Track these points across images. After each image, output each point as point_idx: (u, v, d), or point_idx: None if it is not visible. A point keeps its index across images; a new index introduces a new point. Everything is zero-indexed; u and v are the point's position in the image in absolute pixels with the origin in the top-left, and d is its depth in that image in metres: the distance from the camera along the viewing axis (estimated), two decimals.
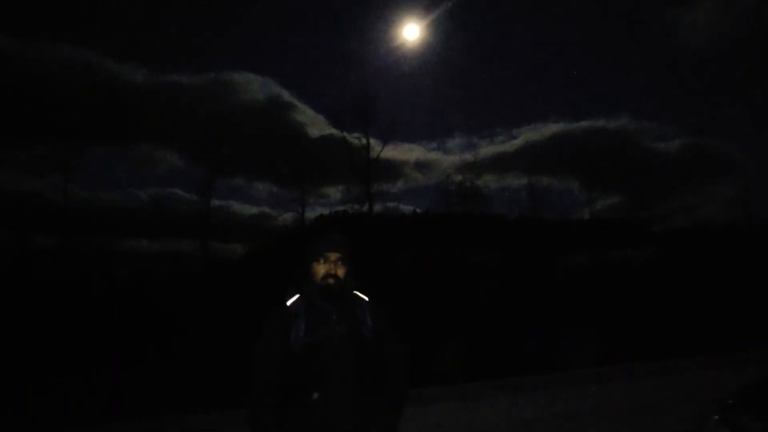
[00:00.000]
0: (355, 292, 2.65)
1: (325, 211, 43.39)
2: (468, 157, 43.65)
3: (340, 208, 38.81)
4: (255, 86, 56.85)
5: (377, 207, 34.48)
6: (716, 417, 3.64)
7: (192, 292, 25.45)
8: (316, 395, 2.35)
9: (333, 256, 2.59)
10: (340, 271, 2.59)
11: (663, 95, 63.07)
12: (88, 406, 12.91)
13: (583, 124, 55.48)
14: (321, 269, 2.57)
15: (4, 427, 12.12)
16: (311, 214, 42.86)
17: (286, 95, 49.70)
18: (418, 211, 43.64)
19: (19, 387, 14.86)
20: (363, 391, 2.42)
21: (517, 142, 51.38)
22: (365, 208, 33.85)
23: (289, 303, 2.52)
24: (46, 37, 53.73)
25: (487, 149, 54.22)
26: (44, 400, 13.85)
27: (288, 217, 35.03)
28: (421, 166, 47.97)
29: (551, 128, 54.49)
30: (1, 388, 14.58)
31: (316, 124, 45.67)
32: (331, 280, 2.54)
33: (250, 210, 45.58)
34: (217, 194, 38.32)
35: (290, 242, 31.01)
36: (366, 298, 2.65)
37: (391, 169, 40.26)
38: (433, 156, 50.85)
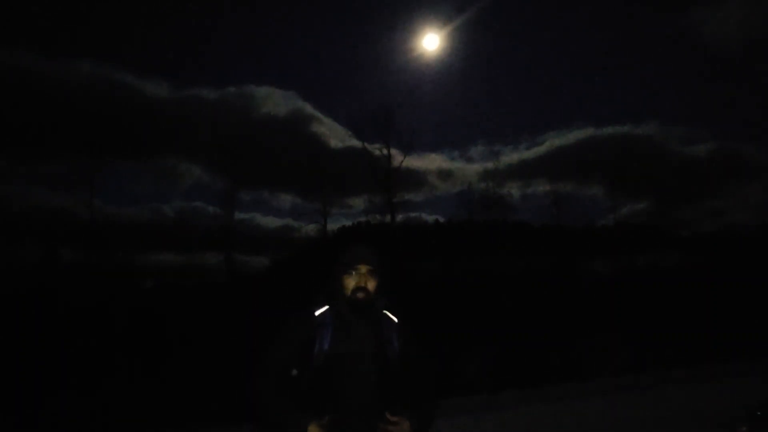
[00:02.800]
0: (385, 311, 2.61)
1: (348, 222, 43.55)
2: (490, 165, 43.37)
3: (363, 218, 38.86)
4: (277, 99, 57.11)
5: (400, 217, 34.56)
6: (744, 428, 3.59)
7: (217, 305, 25.62)
8: (294, 371, 2.36)
9: (363, 269, 2.54)
10: (371, 285, 2.53)
11: (691, 99, 62.25)
12: (113, 417, 13.05)
13: (610, 129, 54.84)
14: (351, 282, 2.51)
15: None
16: (334, 225, 43.02)
17: (308, 107, 49.85)
18: (441, 220, 43.62)
19: (45, 399, 15.07)
20: (380, 411, 2.36)
21: (542, 149, 51.06)
22: (387, 218, 33.91)
23: (317, 313, 2.48)
24: (68, 53, 54.80)
25: (510, 156, 53.97)
26: (68, 411, 14.02)
27: (311, 228, 35.15)
28: (443, 174, 47.93)
29: (576, 134, 54.21)
30: (29, 399, 14.81)
31: (338, 136, 45.84)
32: (360, 294, 2.48)
33: (274, 222, 45.98)
34: (240, 207, 38.76)
35: (314, 254, 31.12)
36: (395, 319, 2.61)
37: (414, 179, 40.35)
38: (456, 164, 50.75)
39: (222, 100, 48.38)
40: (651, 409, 6.24)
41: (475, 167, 49.90)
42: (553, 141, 54.00)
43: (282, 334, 2.49)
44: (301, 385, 2.37)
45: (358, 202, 39.49)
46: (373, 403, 2.37)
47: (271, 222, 46.44)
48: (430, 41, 32.91)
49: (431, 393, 2.62)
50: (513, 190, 41.80)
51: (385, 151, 34.30)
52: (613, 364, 16.63)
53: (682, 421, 5.71)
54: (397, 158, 34.49)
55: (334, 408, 2.32)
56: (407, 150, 35.31)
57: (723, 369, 8.31)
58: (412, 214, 36.90)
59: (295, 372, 2.35)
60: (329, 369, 2.36)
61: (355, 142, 36.18)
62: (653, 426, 5.68)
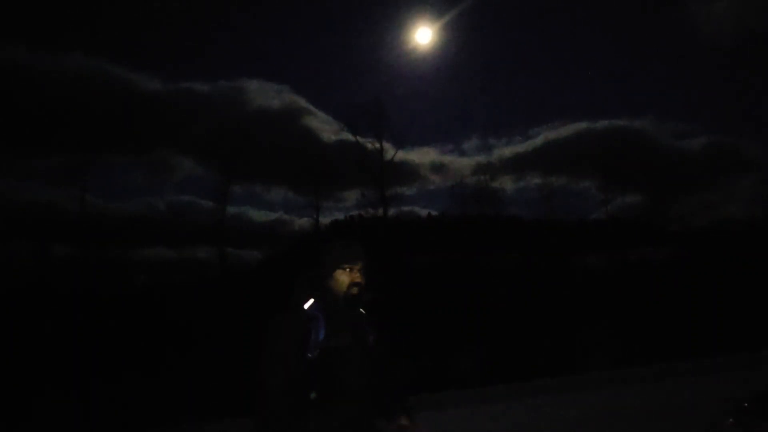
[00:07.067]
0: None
1: (341, 216, 43.51)
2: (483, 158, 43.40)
3: (355, 212, 38.85)
4: (269, 92, 56.88)
5: (392, 211, 34.51)
6: (731, 420, 3.63)
7: (209, 299, 25.61)
8: (313, 395, 2.37)
9: (358, 264, 2.61)
10: (363, 281, 2.60)
11: (685, 93, 62.28)
12: (107, 413, 13.04)
13: (604, 123, 54.72)
14: (346, 278, 2.57)
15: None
16: (327, 218, 42.83)
17: (300, 101, 49.61)
18: (434, 214, 43.67)
19: (37, 395, 15.04)
20: (372, 399, 2.48)
21: (535, 143, 50.79)
22: (380, 212, 33.91)
23: (306, 306, 2.48)
24: (59, 46, 54.30)
25: (504, 150, 53.73)
26: (63, 407, 14.00)
27: (304, 222, 35.17)
28: (436, 168, 47.80)
29: (571, 128, 54.05)
30: (21, 396, 14.78)
31: (331, 129, 45.42)
32: (355, 290, 2.56)
33: (266, 216, 45.65)
34: (233, 201, 38.57)
35: (306, 248, 31.12)
36: (363, 312, 2.70)
37: (407, 173, 40.25)
38: (449, 158, 50.61)
39: (214, 93, 48.17)
40: (641, 402, 6.30)
41: (469, 161, 49.79)
42: (546, 135, 53.79)
43: (283, 338, 2.44)
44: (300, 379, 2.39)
45: (351, 196, 39.32)
46: (366, 392, 2.45)
47: (263, 216, 46.19)
48: (423, 35, 32.98)
49: (401, 381, 2.73)
50: (506, 183, 41.85)
51: (377, 145, 34.37)
52: (605, 358, 16.73)
53: (672, 413, 5.76)
54: (390, 152, 34.61)
55: (333, 399, 2.36)
56: (400, 143, 35.37)
57: (713, 362, 8.39)
58: (405, 208, 36.83)
59: (313, 395, 2.37)
60: (326, 361, 2.38)
61: (348, 136, 36.06)
62: (643, 418, 5.74)
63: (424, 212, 44.48)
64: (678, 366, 8.01)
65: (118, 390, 15.45)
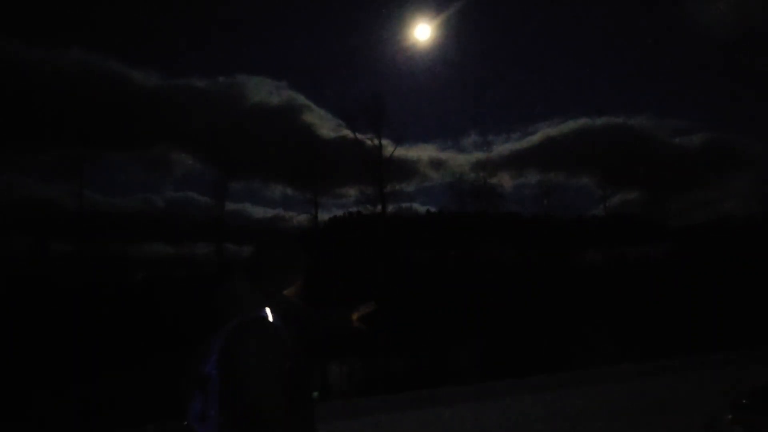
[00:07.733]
0: None
1: (339, 212, 43.49)
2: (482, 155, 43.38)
3: (354, 209, 38.82)
4: (269, 89, 56.89)
5: (391, 207, 34.50)
6: (730, 416, 3.63)
7: (208, 295, 25.57)
8: (316, 393, 2.35)
9: None
10: None
11: (684, 90, 62.30)
12: (106, 407, 13.03)
13: (603, 119, 54.63)
14: (301, 282, 2.51)
15: (23, 428, 12.29)
16: (326, 215, 42.93)
17: (300, 98, 49.60)
18: (432, 210, 43.68)
19: (36, 389, 15.03)
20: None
21: (534, 139, 50.82)
22: (379, 208, 33.86)
23: (270, 319, 2.27)
24: (59, 42, 54.31)
25: (503, 146, 53.80)
26: (62, 402, 14.00)
27: (302, 218, 35.14)
28: (435, 164, 47.88)
29: (569, 124, 54.04)
30: (20, 389, 14.77)
31: (330, 126, 45.60)
32: (306, 290, 2.53)
33: (265, 212, 45.72)
34: (231, 197, 38.49)
35: (305, 244, 31.07)
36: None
37: (405, 169, 40.25)
38: (448, 154, 50.69)
39: (214, 89, 48.17)
40: (639, 398, 6.29)
41: (467, 157, 49.88)
42: (545, 131, 53.84)
43: (273, 354, 2.35)
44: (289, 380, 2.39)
45: (350, 192, 39.34)
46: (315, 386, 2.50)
47: (262, 212, 46.32)
48: (422, 31, 32.96)
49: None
50: (505, 180, 41.83)
51: (376, 141, 34.38)
52: (603, 354, 16.74)
53: (670, 410, 5.76)
54: (389, 148, 34.63)
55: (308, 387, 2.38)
56: (399, 140, 35.42)
57: (712, 358, 8.38)
58: (404, 205, 36.82)
59: (316, 394, 2.36)
60: (303, 358, 2.37)
61: (347, 132, 36.11)
62: (641, 414, 5.73)
63: (422, 208, 44.65)
64: (676, 362, 8.01)
65: (116, 384, 15.45)
